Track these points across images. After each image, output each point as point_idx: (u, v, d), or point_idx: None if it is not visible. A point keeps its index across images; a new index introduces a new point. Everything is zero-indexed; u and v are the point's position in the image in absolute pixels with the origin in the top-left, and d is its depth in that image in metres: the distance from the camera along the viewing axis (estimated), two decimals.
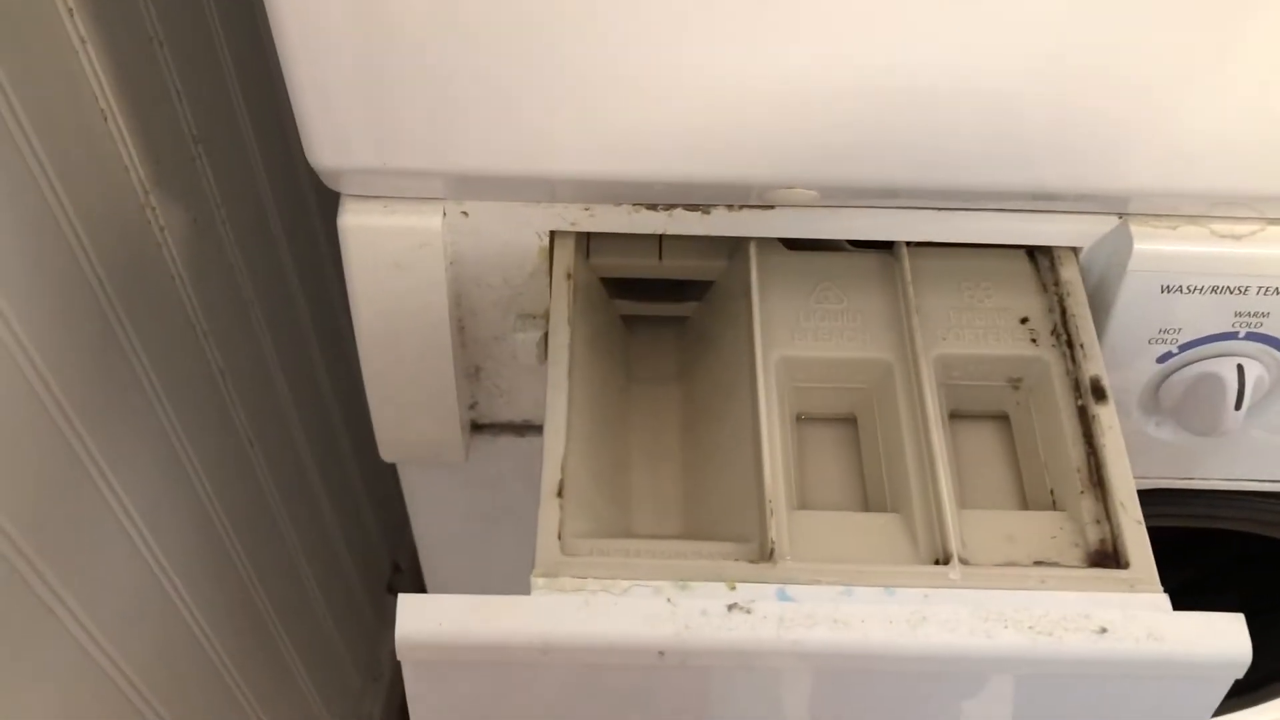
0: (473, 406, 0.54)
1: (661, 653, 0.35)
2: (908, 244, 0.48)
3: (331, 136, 0.40)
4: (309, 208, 0.80)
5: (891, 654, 0.35)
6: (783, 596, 0.38)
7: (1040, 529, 0.42)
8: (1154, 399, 0.50)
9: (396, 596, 0.69)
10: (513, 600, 0.35)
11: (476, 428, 0.55)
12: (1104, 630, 0.35)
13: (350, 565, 0.98)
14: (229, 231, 0.68)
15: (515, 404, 0.53)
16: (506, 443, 0.55)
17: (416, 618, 0.35)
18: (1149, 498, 0.43)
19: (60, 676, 0.53)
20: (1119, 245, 0.46)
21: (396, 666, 1.10)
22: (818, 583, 0.38)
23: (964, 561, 0.39)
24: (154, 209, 0.58)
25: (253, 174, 0.70)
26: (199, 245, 0.64)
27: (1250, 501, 0.60)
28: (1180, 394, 0.49)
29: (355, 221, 0.44)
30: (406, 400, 0.50)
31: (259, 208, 0.72)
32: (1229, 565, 0.81)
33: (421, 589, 0.74)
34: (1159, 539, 0.41)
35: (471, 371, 0.52)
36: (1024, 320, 0.46)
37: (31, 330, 0.46)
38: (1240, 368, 0.47)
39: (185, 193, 0.62)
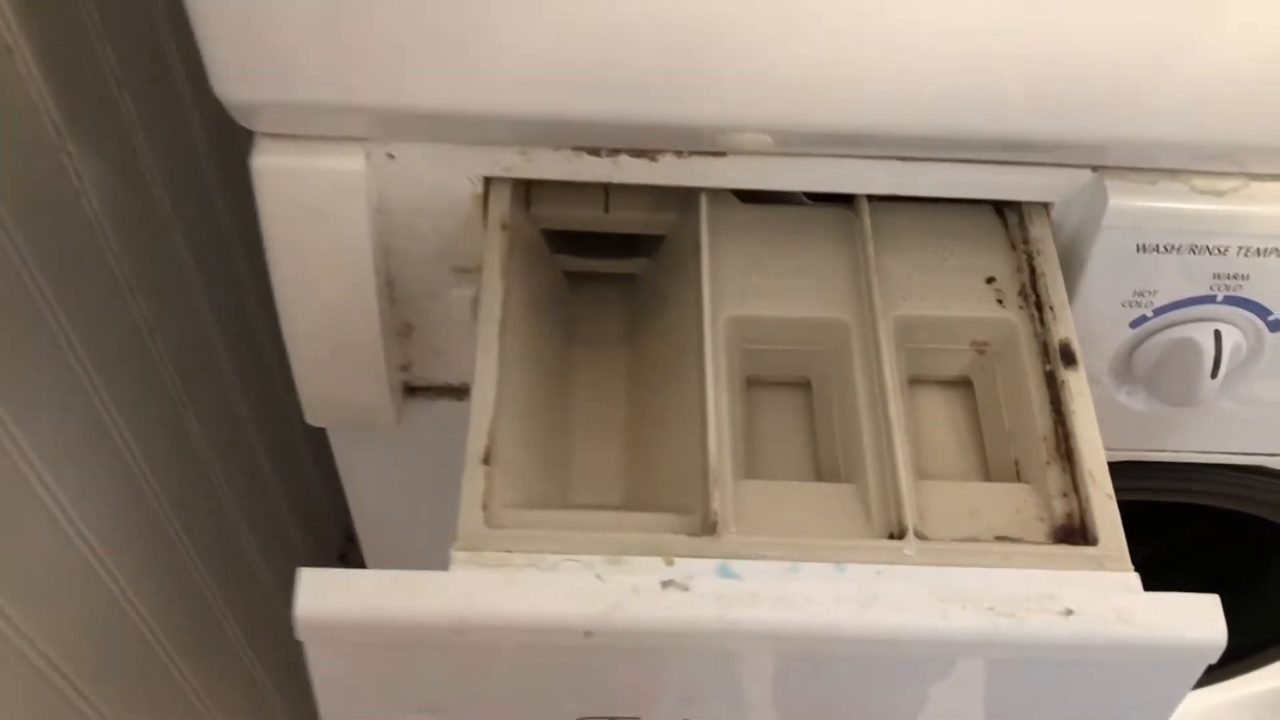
0: (406, 368, 0.50)
1: (588, 633, 0.32)
2: (868, 198, 0.45)
3: (237, 66, 0.37)
4: (246, 153, 0.76)
5: (840, 635, 0.33)
6: (724, 572, 0.35)
7: (1003, 502, 0.39)
8: (1126, 366, 0.48)
9: (347, 565, 0.66)
10: (426, 575, 0.32)
11: (411, 390, 0.52)
12: (1070, 612, 0.33)
13: (297, 533, 0.95)
14: (157, 180, 0.64)
15: (452, 365, 0.50)
16: (444, 407, 0.52)
17: (318, 594, 0.32)
18: (1117, 470, 0.40)
19: None
20: (1093, 201, 0.43)
21: None
22: (762, 557, 0.36)
23: (921, 536, 0.37)
24: (70, 154, 0.54)
25: (184, 118, 0.66)
26: (123, 195, 0.60)
27: (1222, 475, 0.58)
28: (1154, 361, 0.46)
29: (269, 162, 0.40)
30: (331, 360, 0.46)
31: (191, 155, 0.68)
32: (1197, 540, 0.79)
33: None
34: (1124, 513, 0.39)
35: (403, 330, 0.49)
36: (990, 280, 0.44)
37: None
38: (1218, 333, 0.45)
39: (106, 139, 0.58)
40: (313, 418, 0.49)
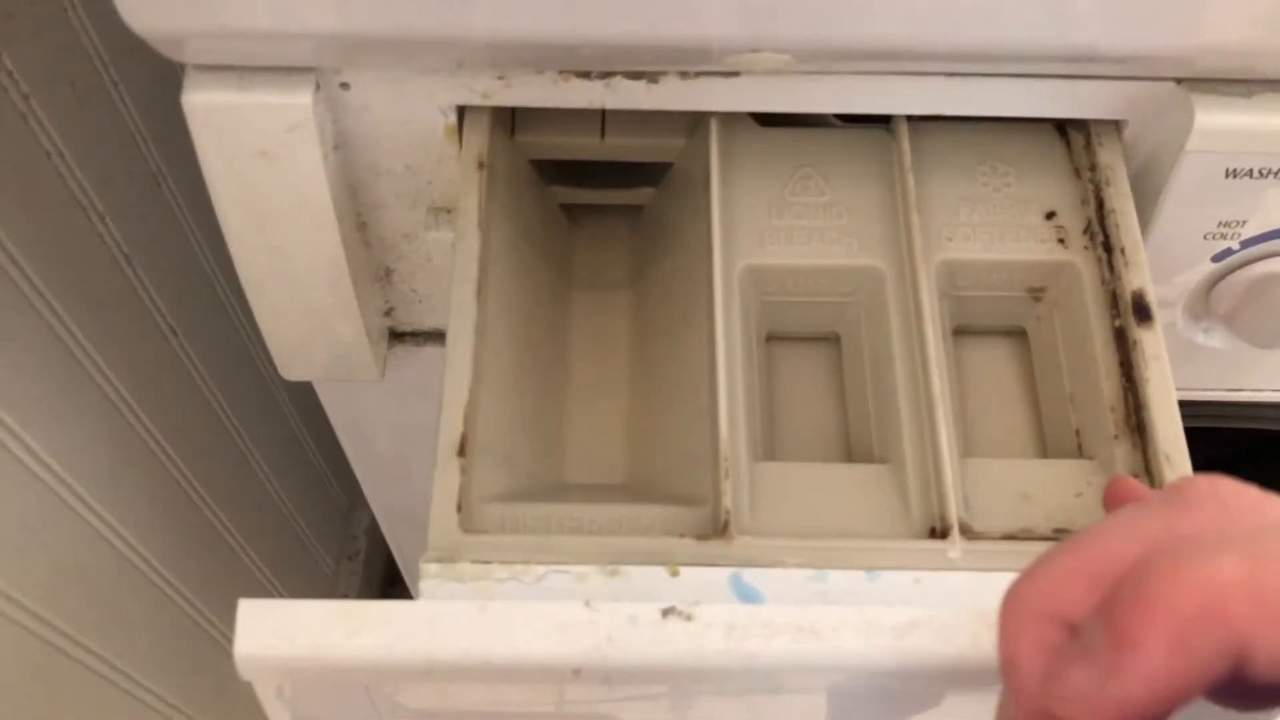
0: (389, 313, 0.45)
1: (577, 671, 0.28)
2: (908, 118, 0.38)
3: None
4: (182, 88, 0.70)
5: (871, 669, 0.28)
6: (737, 584, 0.30)
7: (1062, 483, 0.34)
8: (1204, 303, 0.42)
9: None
10: (385, 607, 0.28)
11: (396, 336, 0.46)
12: None
13: (311, 442, 0.92)
14: (123, 94, 0.58)
15: (437, 310, 0.45)
16: (433, 353, 0.47)
17: (260, 631, 0.27)
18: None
19: None
20: (1175, 118, 0.36)
21: (372, 543, 1.03)
22: (782, 564, 0.31)
23: (966, 531, 0.32)
24: (10, 72, 0.48)
25: None
26: (81, 113, 0.54)
27: None
28: (1238, 298, 0.40)
29: (203, 99, 0.34)
30: (299, 312, 0.41)
31: (163, 62, 0.62)
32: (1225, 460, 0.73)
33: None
34: None
35: (381, 274, 0.43)
36: (1050, 215, 0.37)
37: None
38: None
39: (56, 51, 0.52)
40: (288, 373, 0.45)
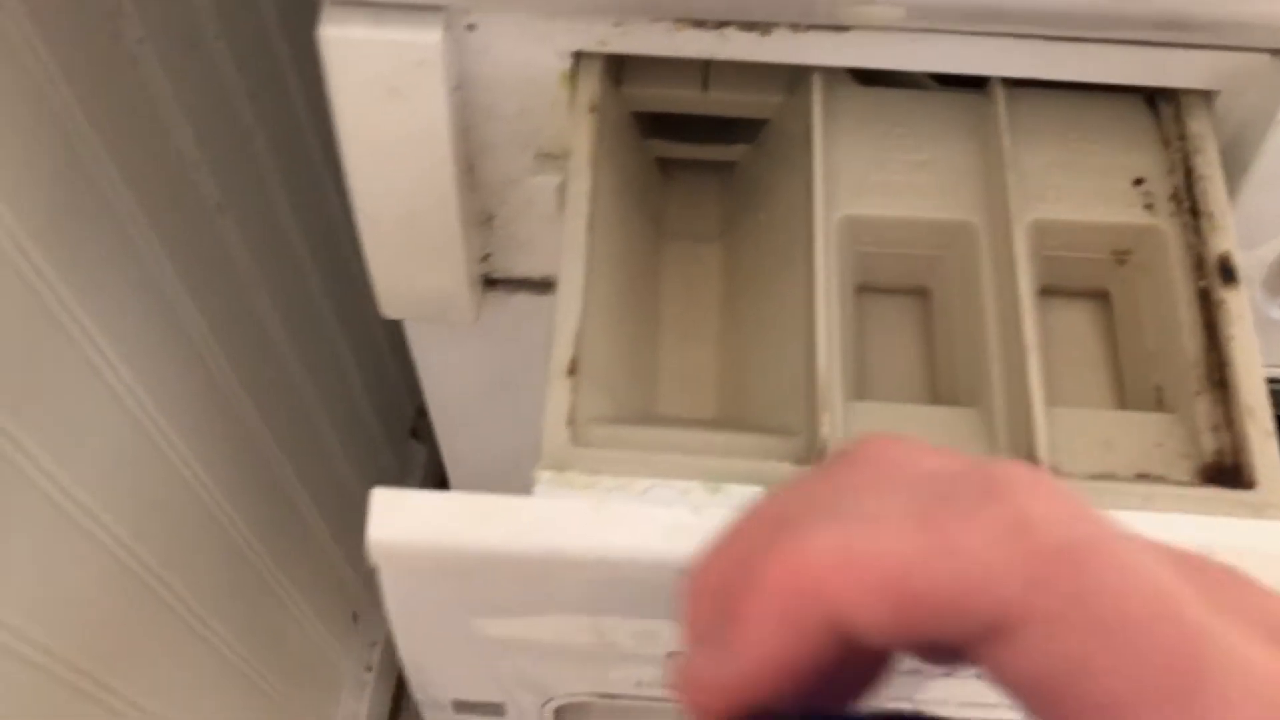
0: (486, 259, 0.47)
1: (683, 572, 0.29)
2: (1004, 82, 0.40)
3: None
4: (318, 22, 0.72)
5: None
6: None
7: (1143, 434, 0.35)
8: None
9: (419, 441, 0.63)
10: (508, 502, 0.29)
11: (490, 283, 0.48)
12: None
13: (368, 409, 0.94)
14: (224, 49, 0.60)
15: (534, 257, 0.47)
16: (524, 301, 0.49)
17: (393, 518, 0.29)
18: None
19: (30, 531, 0.48)
20: (1268, 90, 0.37)
21: None
22: None
23: (1053, 471, 0.33)
24: (128, 16, 0.51)
25: None
26: (186, 66, 0.56)
27: None
28: None
29: (338, 33, 0.36)
30: (406, 249, 0.43)
31: (258, 22, 0.64)
32: None
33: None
34: None
35: (483, 219, 0.45)
36: (1138, 181, 0.39)
37: None
38: None
39: (167, 8, 0.54)
40: (388, 309, 0.46)
